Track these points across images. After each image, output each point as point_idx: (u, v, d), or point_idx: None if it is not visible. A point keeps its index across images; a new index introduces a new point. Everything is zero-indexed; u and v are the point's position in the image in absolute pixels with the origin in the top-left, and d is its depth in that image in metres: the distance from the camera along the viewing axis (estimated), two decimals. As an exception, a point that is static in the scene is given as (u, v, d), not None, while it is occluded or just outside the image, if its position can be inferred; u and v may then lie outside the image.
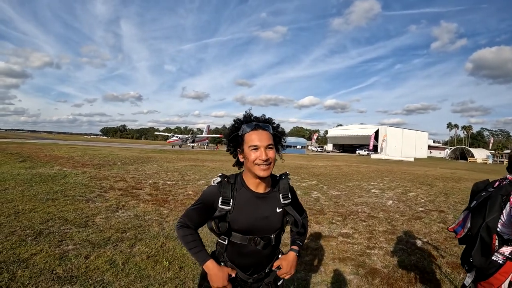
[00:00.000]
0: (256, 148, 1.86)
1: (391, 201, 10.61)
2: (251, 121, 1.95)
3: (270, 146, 1.88)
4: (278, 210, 2.01)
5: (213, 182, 1.98)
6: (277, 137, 2.02)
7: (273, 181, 2.07)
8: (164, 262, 4.64)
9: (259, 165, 1.85)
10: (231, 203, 1.92)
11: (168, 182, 12.28)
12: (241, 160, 2.00)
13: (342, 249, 5.70)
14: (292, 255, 2.11)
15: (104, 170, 14.74)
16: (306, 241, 5.96)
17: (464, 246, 2.51)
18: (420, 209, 9.54)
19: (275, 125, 2.04)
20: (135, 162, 19.64)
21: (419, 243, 6.20)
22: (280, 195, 2.04)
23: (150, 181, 12.26)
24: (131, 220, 6.73)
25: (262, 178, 1.92)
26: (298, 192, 11.58)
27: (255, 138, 1.87)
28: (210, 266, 1.89)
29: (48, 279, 3.96)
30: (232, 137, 1.98)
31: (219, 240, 2.04)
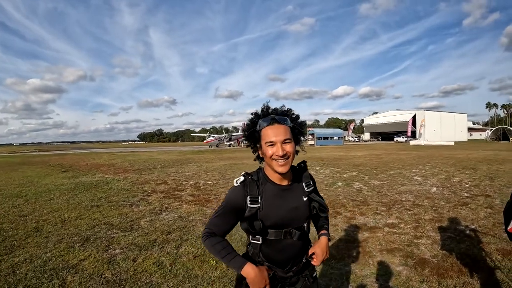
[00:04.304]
0: (272, 144, 1.78)
1: (435, 188, 10.14)
2: (267, 115, 1.86)
3: (287, 141, 1.79)
4: (304, 199, 1.96)
5: (236, 183, 1.89)
6: (296, 129, 1.92)
7: (293, 171, 2.01)
8: (211, 261, 4.55)
9: (276, 160, 1.78)
10: (259, 200, 1.84)
11: (209, 182, 12.30)
12: (261, 155, 1.93)
13: (389, 240, 5.47)
14: (324, 240, 2.03)
15: (144, 174, 15.00)
16: (352, 233, 5.79)
17: None
18: (466, 194, 9.03)
19: (294, 116, 1.94)
20: (175, 164, 19.92)
21: (467, 230, 5.85)
22: (303, 183, 1.98)
23: (191, 182, 12.32)
24: (175, 221, 6.72)
25: (281, 173, 1.85)
26: (339, 183, 11.37)
27: (271, 134, 1.79)
28: (249, 269, 1.78)
29: (98, 283, 3.96)
30: (250, 133, 1.92)
31: (251, 241, 1.94)
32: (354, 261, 4.64)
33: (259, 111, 1.92)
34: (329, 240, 2.07)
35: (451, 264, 4.41)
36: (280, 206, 1.87)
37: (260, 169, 1.99)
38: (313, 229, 2.13)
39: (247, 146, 2.02)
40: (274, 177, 1.90)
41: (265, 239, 1.89)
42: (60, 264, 4.51)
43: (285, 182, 1.92)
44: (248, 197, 1.83)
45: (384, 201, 8.37)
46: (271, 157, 1.79)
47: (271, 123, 1.81)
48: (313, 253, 1.97)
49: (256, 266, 1.82)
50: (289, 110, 1.94)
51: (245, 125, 1.98)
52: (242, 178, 1.89)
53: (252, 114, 1.94)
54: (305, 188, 1.97)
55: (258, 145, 1.90)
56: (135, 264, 4.53)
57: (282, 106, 1.95)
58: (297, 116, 1.95)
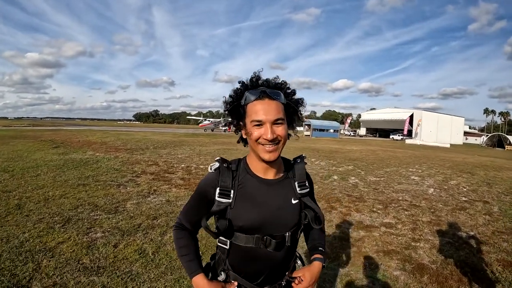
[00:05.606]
0: (260, 124, 1.42)
1: (432, 189, 9.94)
2: (256, 87, 1.49)
3: (279, 122, 1.44)
4: (293, 202, 1.57)
5: (211, 169, 1.57)
6: (291, 107, 1.55)
7: (286, 166, 1.65)
8: (197, 252, 4.32)
9: (263, 145, 1.43)
10: (231, 195, 1.50)
11: (201, 166, 12.07)
12: (244, 136, 1.56)
13: (385, 240, 5.27)
14: (318, 266, 1.64)
15: (136, 154, 14.71)
16: (347, 230, 5.57)
17: None
18: (464, 198, 8.84)
19: (289, 91, 1.55)
20: (168, 146, 19.63)
21: (465, 236, 5.67)
22: (296, 183, 1.61)
23: (183, 165, 12.08)
24: (163, 205, 6.50)
25: (268, 162, 1.49)
26: (335, 177, 11.16)
27: (259, 111, 1.42)
28: (199, 281, 1.51)
29: (74, 269, 3.72)
30: (232, 108, 1.54)
31: (218, 243, 1.61)
32: (349, 261, 4.46)
33: (248, 81, 1.53)
34: (324, 267, 1.68)
35: (450, 272, 4.21)
36: (257, 205, 1.51)
37: (243, 158, 1.64)
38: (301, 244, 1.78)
39: (228, 123, 1.66)
40: (258, 168, 1.56)
41: (233, 244, 1.54)
42: (37, 246, 4.26)
43: (270, 176, 1.56)
44: (218, 189, 1.51)
45: (381, 199, 8.18)
46: (257, 140, 1.44)
47: (260, 97, 1.44)
48: (299, 277, 1.61)
49: (211, 280, 1.56)
50: (284, 83, 1.55)
51: (228, 96, 1.57)
52: (216, 164, 1.56)
53: (239, 82, 1.55)
54: (297, 189, 1.60)
55: (242, 123, 1.54)
56: (115, 250, 4.30)
57: (275, 77, 1.56)
58: (293, 92, 1.57)
